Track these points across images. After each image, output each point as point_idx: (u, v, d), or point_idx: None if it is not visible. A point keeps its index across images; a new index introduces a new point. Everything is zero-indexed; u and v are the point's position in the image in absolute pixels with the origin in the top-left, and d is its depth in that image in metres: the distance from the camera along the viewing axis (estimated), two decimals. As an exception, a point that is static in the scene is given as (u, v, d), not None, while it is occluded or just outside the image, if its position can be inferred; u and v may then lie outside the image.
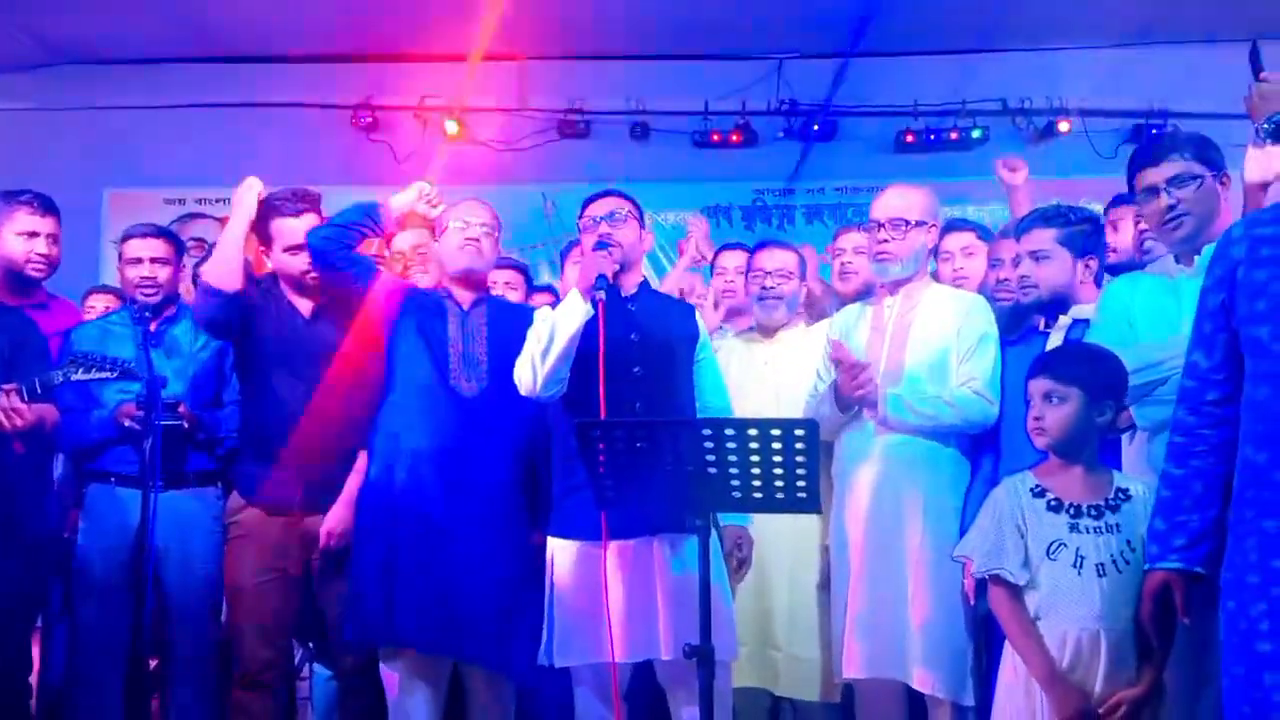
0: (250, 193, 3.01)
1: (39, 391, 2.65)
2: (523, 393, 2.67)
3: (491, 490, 2.82)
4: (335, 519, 2.93)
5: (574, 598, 2.66)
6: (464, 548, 2.76)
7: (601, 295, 2.55)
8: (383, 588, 2.73)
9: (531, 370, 2.62)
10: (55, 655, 3.28)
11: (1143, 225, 2.91)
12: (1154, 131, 5.69)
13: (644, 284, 2.86)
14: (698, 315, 2.95)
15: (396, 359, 2.87)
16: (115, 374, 2.73)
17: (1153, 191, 2.37)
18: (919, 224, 2.88)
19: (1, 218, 3.11)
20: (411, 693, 2.79)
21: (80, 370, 2.66)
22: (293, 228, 3.00)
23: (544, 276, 5.22)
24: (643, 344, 2.72)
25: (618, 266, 2.67)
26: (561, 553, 2.70)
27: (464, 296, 2.94)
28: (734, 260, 3.59)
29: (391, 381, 2.87)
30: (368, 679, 2.98)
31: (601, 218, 2.77)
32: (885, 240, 2.89)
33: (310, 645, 3.35)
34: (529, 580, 2.79)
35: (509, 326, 2.80)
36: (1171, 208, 2.35)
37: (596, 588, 2.58)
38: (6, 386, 2.62)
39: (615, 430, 2.22)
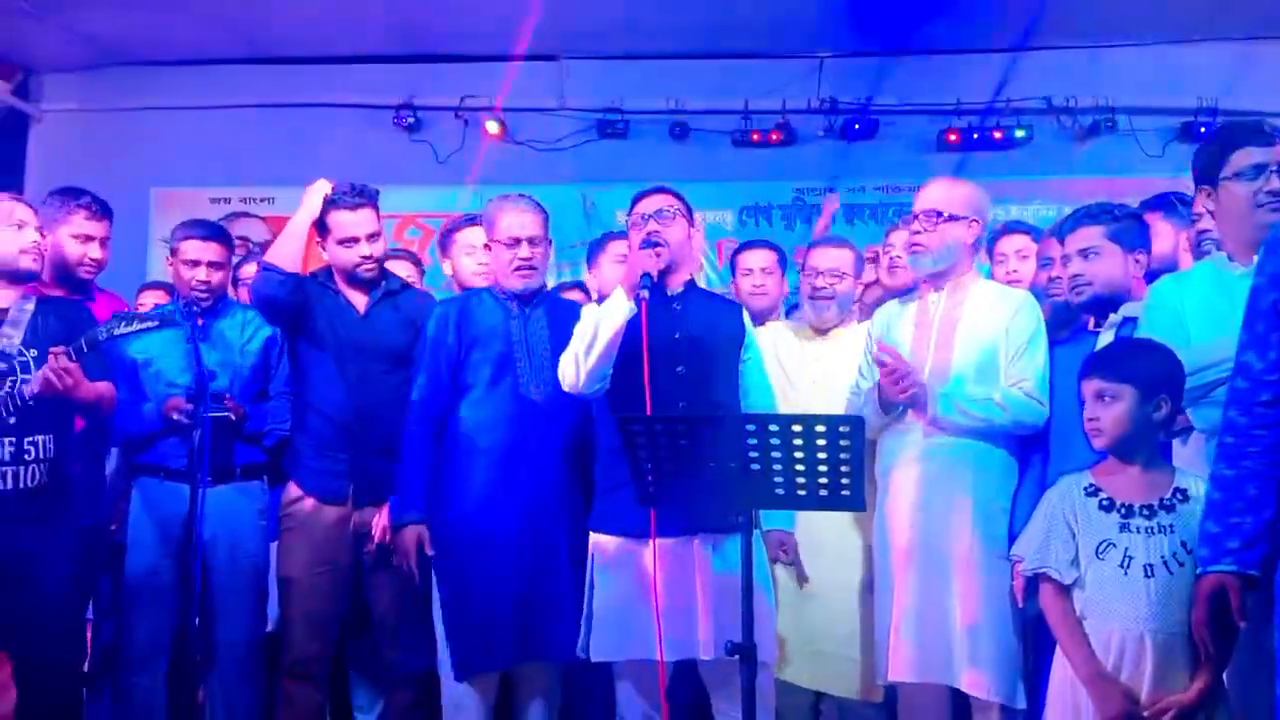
0: (316, 194, 3.07)
1: (85, 349, 2.70)
2: (565, 388, 2.68)
3: (559, 492, 2.85)
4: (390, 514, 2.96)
5: (615, 593, 2.67)
6: (538, 554, 2.80)
7: (645, 294, 2.54)
8: (478, 617, 2.77)
9: (575, 366, 2.63)
10: (105, 648, 3.33)
11: (1202, 225, 2.83)
12: (1202, 130, 5.60)
13: (690, 283, 2.84)
14: (744, 315, 2.93)
15: (463, 365, 2.88)
16: (157, 324, 2.79)
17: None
18: (954, 217, 2.82)
19: (59, 217, 3.17)
20: (472, 694, 2.82)
21: (122, 324, 2.73)
22: (349, 220, 3.04)
23: (585, 276, 5.22)
24: (687, 343, 2.72)
25: (663, 265, 2.66)
26: (604, 548, 2.72)
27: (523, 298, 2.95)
28: (759, 260, 3.51)
29: (458, 386, 2.88)
30: (413, 671, 3.01)
31: (650, 215, 2.75)
32: (918, 232, 2.86)
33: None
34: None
35: (568, 328, 2.76)
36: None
37: (637, 584, 2.59)
38: (54, 349, 2.68)
39: (658, 426, 2.22)
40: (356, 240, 3.05)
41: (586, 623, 2.71)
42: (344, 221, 3.05)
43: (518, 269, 2.89)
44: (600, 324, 2.59)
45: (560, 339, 2.77)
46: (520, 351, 2.89)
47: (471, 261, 3.37)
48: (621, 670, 2.74)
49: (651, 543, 2.56)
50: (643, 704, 2.73)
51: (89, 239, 3.22)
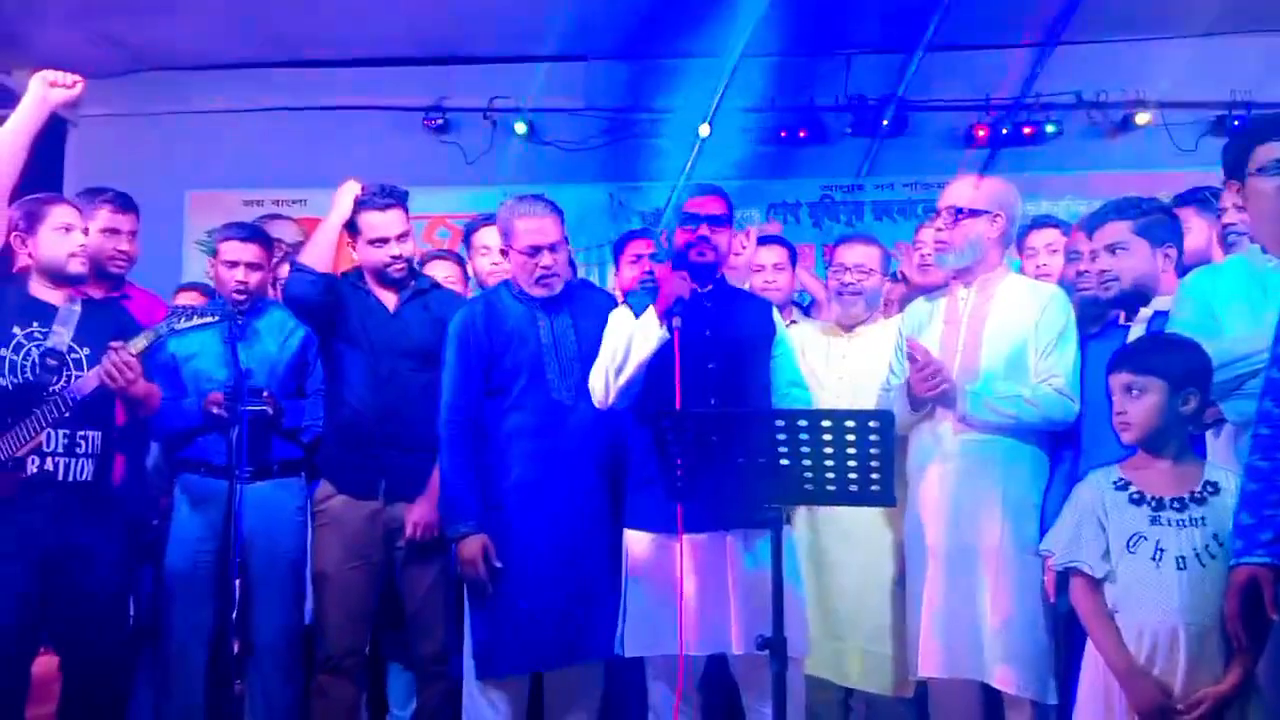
0: (347, 195, 3.11)
1: (147, 346, 2.76)
2: (595, 403, 2.71)
3: (595, 495, 2.85)
4: (421, 511, 2.99)
5: (647, 589, 2.68)
6: (575, 557, 2.80)
7: (678, 322, 2.55)
8: (512, 619, 2.77)
9: (604, 383, 2.67)
10: (144, 641, 3.38)
11: (1227, 219, 2.81)
12: (1236, 123, 5.54)
13: (720, 280, 2.85)
14: (774, 312, 2.94)
15: (494, 366, 2.88)
16: (217, 318, 2.85)
17: None
18: (974, 213, 2.83)
19: (86, 215, 3.23)
20: (500, 695, 2.83)
21: (181, 319, 2.78)
22: (379, 221, 3.08)
23: (610, 276, 5.24)
24: (718, 340, 2.73)
25: (695, 287, 2.67)
26: (636, 544, 2.73)
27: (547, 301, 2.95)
28: (771, 256, 3.50)
29: (489, 388, 2.88)
30: (446, 666, 3.04)
31: (702, 219, 2.75)
32: (940, 229, 2.89)
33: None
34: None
35: (594, 322, 2.78)
36: None
37: (669, 580, 2.59)
38: (114, 344, 2.73)
39: (688, 421, 2.23)
40: (386, 240, 3.09)
41: (622, 619, 2.72)
42: (374, 222, 3.09)
43: (540, 279, 2.90)
44: (632, 348, 2.61)
45: (588, 339, 2.80)
46: (549, 356, 2.89)
47: (486, 262, 3.42)
48: (655, 666, 2.75)
49: (679, 538, 2.57)
50: (673, 698, 2.73)
51: (116, 233, 3.28)
